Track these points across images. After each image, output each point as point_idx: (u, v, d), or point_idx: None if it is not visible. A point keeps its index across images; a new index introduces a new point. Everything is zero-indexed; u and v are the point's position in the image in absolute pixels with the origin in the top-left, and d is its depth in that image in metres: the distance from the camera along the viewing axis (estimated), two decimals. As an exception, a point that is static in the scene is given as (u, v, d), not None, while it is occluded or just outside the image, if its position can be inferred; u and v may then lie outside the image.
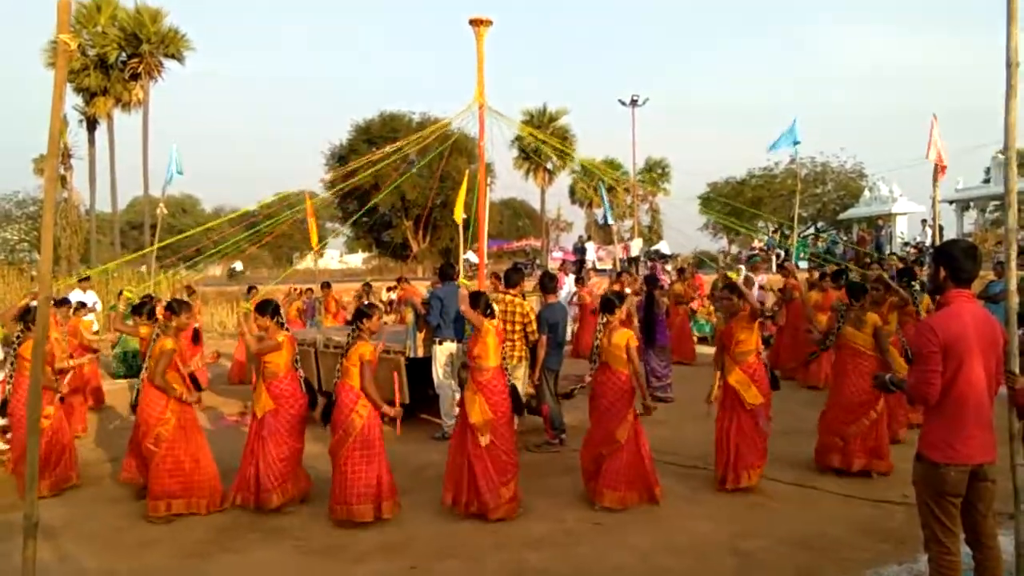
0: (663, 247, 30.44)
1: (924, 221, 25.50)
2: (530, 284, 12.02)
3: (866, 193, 32.92)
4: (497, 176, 34.20)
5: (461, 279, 6.86)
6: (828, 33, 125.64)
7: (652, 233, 42.76)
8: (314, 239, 13.98)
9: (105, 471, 7.35)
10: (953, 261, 3.62)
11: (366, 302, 8.20)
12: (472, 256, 22.44)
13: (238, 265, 20.00)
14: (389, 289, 22.23)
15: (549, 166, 42.17)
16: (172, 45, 33.33)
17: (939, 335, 3.50)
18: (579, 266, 25.27)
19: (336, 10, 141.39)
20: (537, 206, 46.78)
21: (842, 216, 34.49)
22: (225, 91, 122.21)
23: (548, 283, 8.55)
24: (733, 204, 33.03)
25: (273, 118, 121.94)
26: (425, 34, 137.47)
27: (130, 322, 7.67)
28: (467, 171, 16.22)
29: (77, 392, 8.76)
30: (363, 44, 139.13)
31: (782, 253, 27.29)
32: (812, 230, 38.82)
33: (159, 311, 6.91)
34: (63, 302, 9.67)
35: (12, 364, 7.07)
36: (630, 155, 35.32)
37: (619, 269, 18.26)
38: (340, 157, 37.04)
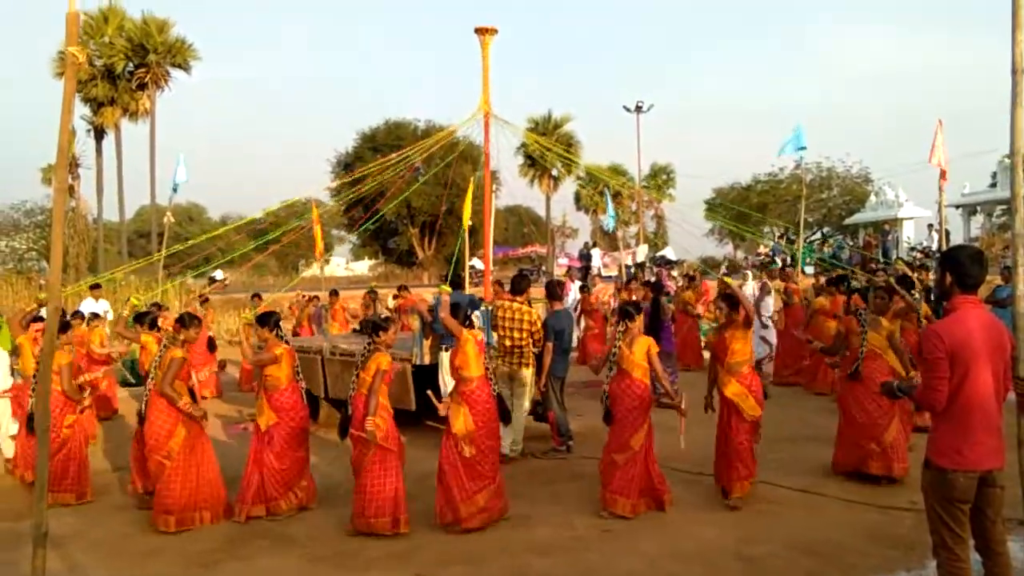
0: (669, 253, 30.40)
1: (930, 226, 25.42)
2: (536, 291, 12.03)
3: (872, 198, 32.87)
4: (503, 183, 34.31)
5: (443, 287, 6.84)
6: (832, 36, 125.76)
7: (657, 239, 42.74)
8: (319, 247, 14.01)
9: (112, 480, 7.38)
10: (959, 267, 3.62)
11: (384, 315, 8.19)
12: (478, 263, 22.48)
13: (218, 274, 19.91)
14: (395, 296, 22.27)
15: (554, 173, 42.22)
16: (179, 55, 33.57)
17: (946, 341, 3.49)
18: (585, 273, 25.24)
19: (341, 17, 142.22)
20: (542, 213, 46.85)
21: (848, 221, 34.43)
22: (230, 99, 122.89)
23: (554, 290, 8.56)
24: (739, 208, 33.01)
25: (278, 126, 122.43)
26: (431, 41, 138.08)
27: (132, 330, 7.70)
28: (472, 178, 16.24)
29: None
30: (368, 51, 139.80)
31: (788, 258, 27.25)
32: (819, 235, 38.74)
33: (163, 322, 6.91)
34: (75, 315, 9.72)
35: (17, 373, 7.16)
36: (635, 161, 35.30)
37: (627, 276, 18.23)
38: (346, 165, 37.18)
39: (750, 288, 15.97)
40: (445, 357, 8.17)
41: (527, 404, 7.75)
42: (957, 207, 31.57)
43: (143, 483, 6.45)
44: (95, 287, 14.27)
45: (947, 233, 19.67)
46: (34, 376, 6.71)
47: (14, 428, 7.51)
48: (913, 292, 8.62)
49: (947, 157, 14.51)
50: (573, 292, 16.07)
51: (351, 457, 5.85)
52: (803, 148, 14.30)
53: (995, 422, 3.55)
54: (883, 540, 5.28)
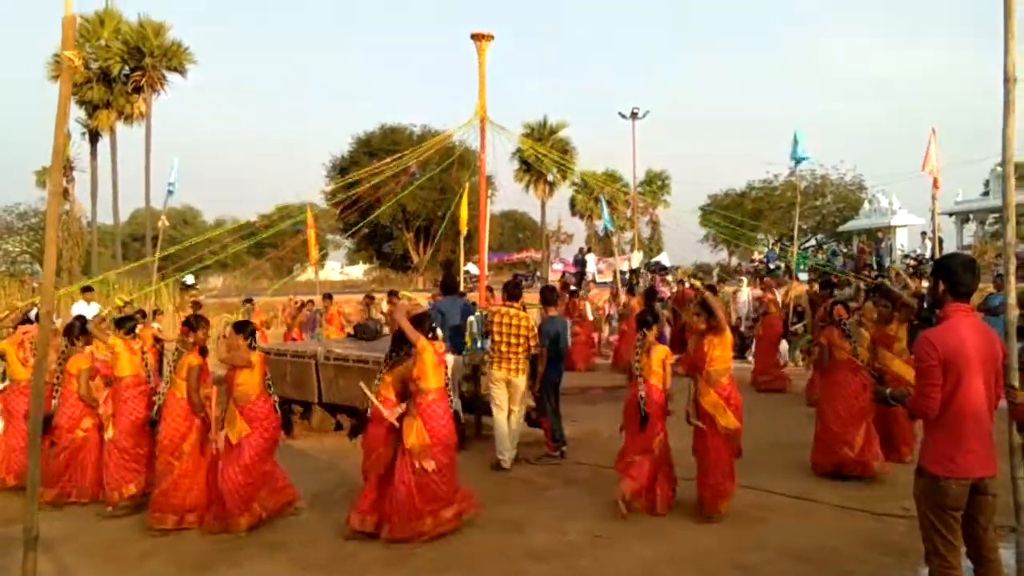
0: (663, 259, 30.44)
1: (924, 233, 25.51)
2: (529, 296, 12.04)
3: (866, 205, 32.97)
4: (498, 188, 34.31)
5: (404, 292, 6.87)
6: (827, 44, 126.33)
7: (652, 245, 42.82)
8: (312, 252, 13.98)
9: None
10: (952, 275, 3.64)
11: (379, 320, 8.16)
12: (473, 268, 22.48)
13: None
14: (388, 301, 22.24)
15: (549, 178, 42.27)
16: (175, 58, 33.54)
17: (938, 349, 3.51)
18: (579, 278, 25.28)
19: (339, 21, 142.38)
20: (537, 218, 46.92)
21: (842, 228, 34.53)
22: (226, 102, 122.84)
23: (549, 296, 8.57)
24: (732, 216, 33.10)
25: (273, 130, 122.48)
26: (428, 47, 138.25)
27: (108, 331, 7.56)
28: (467, 184, 16.26)
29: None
30: (365, 55, 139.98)
31: (782, 265, 27.31)
32: (812, 242, 38.87)
33: (140, 330, 6.86)
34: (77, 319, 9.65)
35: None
36: (630, 167, 35.41)
37: (627, 285, 18.22)
38: (341, 169, 37.18)
39: (745, 294, 16.03)
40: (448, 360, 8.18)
41: (522, 411, 7.73)
42: (950, 215, 31.68)
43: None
44: (87, 290, 14.23)
45: (940, 241, 19.76)
46: (57, 379, 6.75)
47: None
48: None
49: (940, 165, 14.59)
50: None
51: (375, 457, 5.73)
52: (800, 159, 14.34)
53: (987, 430, 3.57)
54: (877, 546, 5.30)
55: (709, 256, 43.69)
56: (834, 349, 7.05)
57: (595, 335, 16.16)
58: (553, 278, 29.93)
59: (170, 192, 14.54)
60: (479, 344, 8.38)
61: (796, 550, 5.26)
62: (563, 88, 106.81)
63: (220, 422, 6.05)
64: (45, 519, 5.19)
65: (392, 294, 14.11)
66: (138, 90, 32.85)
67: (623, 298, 15.91)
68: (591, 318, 16.04)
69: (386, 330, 10.03)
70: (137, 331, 7.02)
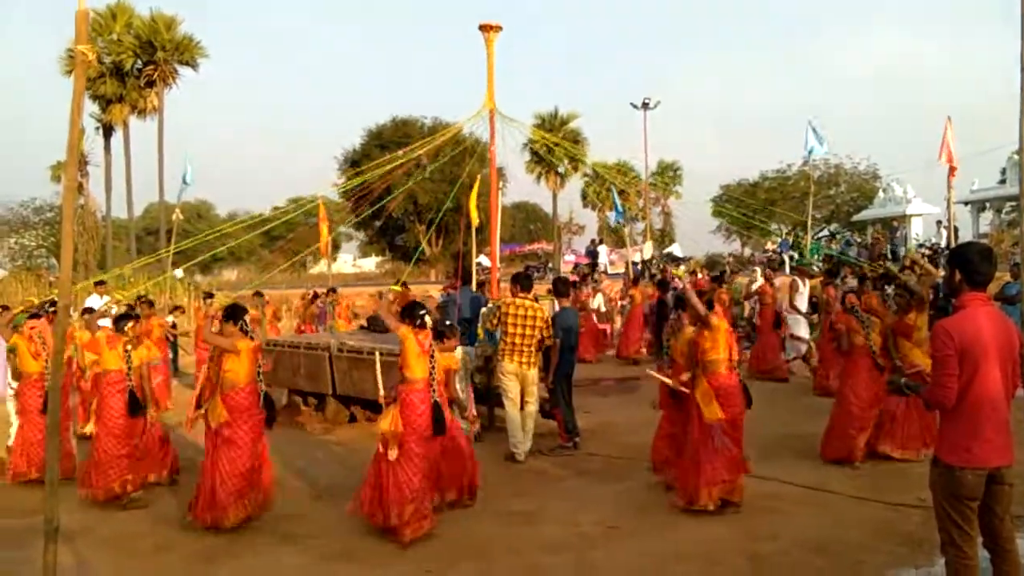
0: (675, 250, 30.37)
1: (939, 222, 25.30)
2: (542, 288, 12.04)
3: (880, 194, 32.71)
4: (509, 180, 34.29)
5: (393, 286, 6.87)
6: (841, 33, 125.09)
7: (664, 236, 42.68)
8: (323, 243, 14.02)
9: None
10: (968, 264, 3.61)
11: (447, 322, 8.12)
12: (484, 260, 22.47)
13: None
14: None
15: (561, 170, 42.21)
16: (187, 52, 33.71)
17: (955, 338, 3.48)
18: (591, 269, 25.25)
19: (350, 14, 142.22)
20: (549, 210, 46.86)
21: (856, 218, 34.27)
22: (238, 96, 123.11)
23: (561, 287, 8.56)
24: (746, 202, 32.88)
25: (286, 123, 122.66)
26: (437, 38, 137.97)
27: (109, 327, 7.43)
28: (479, 176, 16.23)
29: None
30: (375, 48, 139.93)
31: (795, 255, 27.14)
32: (826, 233, 38.60)
33: (130, 329, 6.84)
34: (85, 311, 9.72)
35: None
36: (642, 158, 35.23)
37: (634, 275, 18.19)
38: (353, 162, 37.24)
39: (759, 285, 15.91)
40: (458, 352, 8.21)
41: (536, 403, 7.74)
42: (966, 203, 31.35)
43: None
44: (99, 283, 14.35)
45: (956, 230, 19.61)
46: (85, 368, 6.87)
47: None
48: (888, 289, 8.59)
49: (956, 154, 14.46)
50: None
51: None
52: (812, 151, 14.24)
53: (1004, 419, 3.54)
54: (892, 537, 5.27)
55: (722, 246, 43.50)
56: (852, 335, 7.20)
57: (607, 327, 16.15)
58: (565, 269, 29.87)
59: (187, 184, 14.63)
60: (493, 336, 8.39)
61: (809, 541, 5.25)
62: (574, 80, 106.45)
63: (196, 400, 6.04)
64: (64, 511, 5.25)
65: (402, 284, 14.15)
66: (150, 84, 33.04)
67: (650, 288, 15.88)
68: (603, 309, 16.02)
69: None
70: (127, 328, 6.90)
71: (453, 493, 6.10)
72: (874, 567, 4.81)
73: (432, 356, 5.64)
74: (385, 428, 5.50)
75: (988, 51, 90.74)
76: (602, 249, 30.10)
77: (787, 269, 25.10)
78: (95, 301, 13.25)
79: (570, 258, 35.36)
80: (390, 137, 37.33)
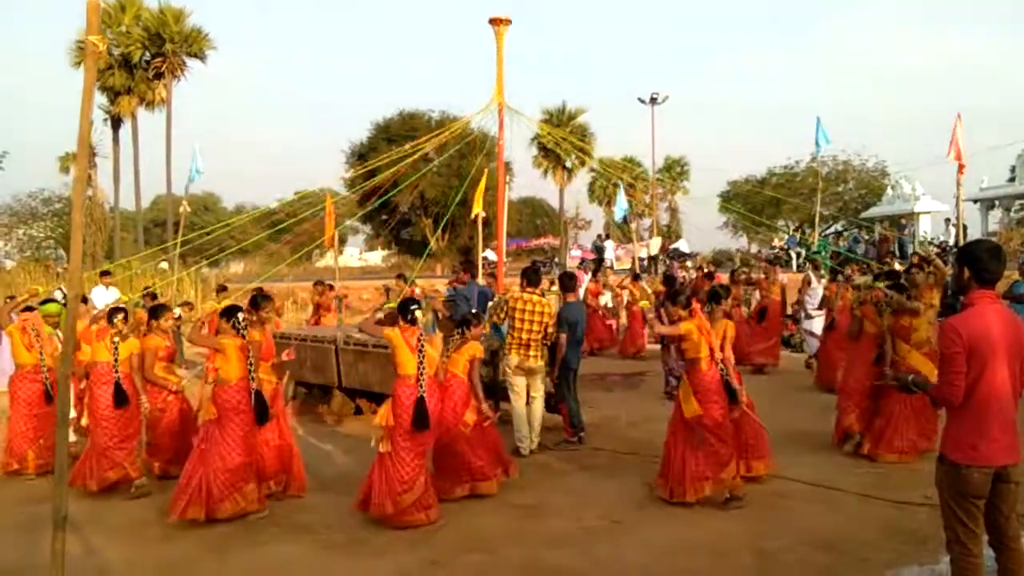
0: (682, 246, 30.31)
1: (948, 220, 25.20)
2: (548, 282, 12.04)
3: (888, 191, 32.58)
4: (516, 175, 34.25)
5: (388, 304, 6.95)
6: (852, 29, 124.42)
7: (671, 232, 42.59)
8: (328, 235, 13.98)
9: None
10: (977, 261, 3.59)
11: (474, 310, 8.13)
12: (491, 254, 22.49)
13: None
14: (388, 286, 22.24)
15: (568, 164, 42.11)
16: (195, 44, 33.69)
17: (963, 336, 3.47)
18: (597, 265, 25.23)
19: (358, 6, 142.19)
20: (556, 204, 46.76)
21: (864, 215, 34.14)
22: (246, 89, 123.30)
23: (568, 282, 8.55)
24: (759, 191, 32.70)
25: (292, 117, 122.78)
26: (446, 31, 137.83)
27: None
28: (486, 169, 16.24)
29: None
30: (384, 40, 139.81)
31: (802, 252, 27.07)
32: (833, 230, 38.48)
33: (119, 322, 6.88)
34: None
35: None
36: (649, 153, 35.14)
37: (633, 272, 18.15)
38: (360, 155, 37.21)
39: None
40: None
41: (542, 398, 7.75)
42: (975, 201, 31.20)
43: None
44: (105, 274, 14.39)
45: (964, 228, 19.51)
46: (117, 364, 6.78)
47: None
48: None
49: (966, 151, 14.38)
50: (587, 284, 16.07)
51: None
52: (819, 146, 14.21)
53: (1011, 418, 3.54)
54: (897, 534, 5.27)
55: (729, 243, 43.42)
56: (866, 323, 7.51)
57: (613, 322, 16.14)
58: (571, 264, 29.84)
59: (197, 174, 14.62)
60: (500, 331, 8.40)
61: (815, 537, 5.25)
62: (582, 75, 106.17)
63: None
64: (73, 500, 5.29)
65: (400, 277, 14.18)
66: (159, 76, 33.06)
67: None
68: (610, 304, 16.01)
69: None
70: (116, 321, 6.91)
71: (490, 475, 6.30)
72: (879, 564, 4.81)
73: (421, 351, 5.69)
74: (378, 420, 5.71)
75: (999, 48, 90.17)
76: (608, 244, 30.01)
77: (794, 266, 25.10)
78: (100, 292, 13.31)
79: (576, 253, 35.29)
80: (397, 131, 37.26)
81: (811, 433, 7.81)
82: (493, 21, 9.57)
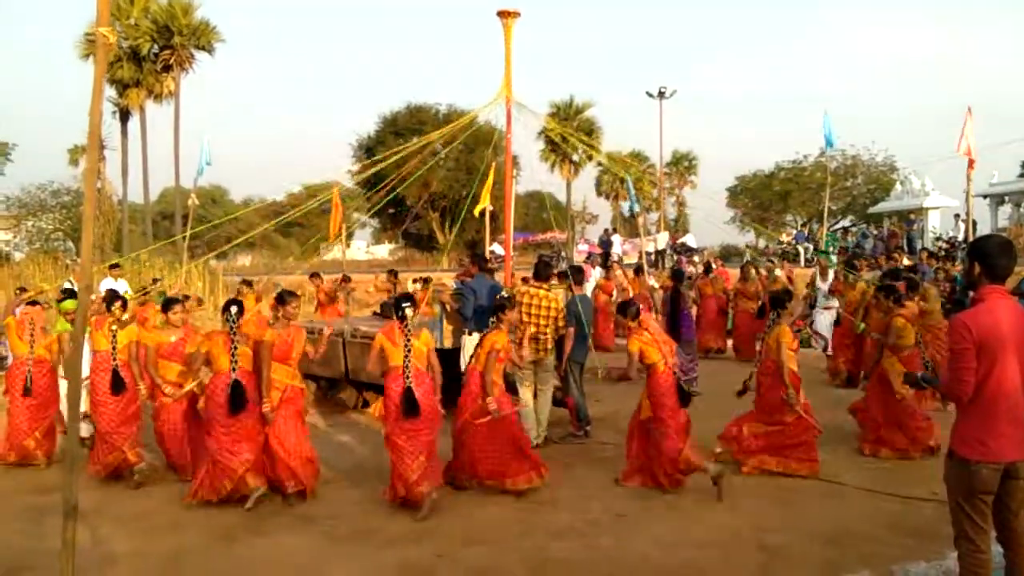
0: (689, 240, 30.21)
1: (957, 216, 25.04)
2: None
3: (897, 187, 32.41)
4: (523, 169, 34.18)
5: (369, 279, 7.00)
6: (860, 23, 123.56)
7: (679, 226, 42.50)
8: (333, 230, 13.95)
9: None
10: (987, 257, 3.58)
11: (504, 295, 8.12)
12: (498, 248, 22.48)
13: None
14: (415, 281, 22.31)
15: (575, 158, 42.05)
16: (203, 37, 33.78)
17: (973, 331, 3.46)
18: (605, 259, 25.17)
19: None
20: (562, 198, 46.70)
21: (873, 210, 33.99)
22: (253, 82, 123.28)
23: (576, 275, 8.55)
24: (775, 174, 32.47)
25: (300, 109, 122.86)
26: (455, 24, 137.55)
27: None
28: (493, 163, 16.14)
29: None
30: (391, 33, 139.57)
31: (810, 247, 26.96)
32: (841, 225, 38.35)
33: (116, 311, 6.93)
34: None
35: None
36: (657, 148, 35.11)
37: (635, 267, 18.05)
38: (367, 148, 37.24)
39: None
40: (469, 341, 8.22)
41: (549, 391, 7.75)
42: (984, 197, 31.01)
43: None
44: (114, 266, 14.44)
45: (974, 223, 19.41)
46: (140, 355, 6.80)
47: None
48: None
49: (975, 146, 14.29)
50: (594, 278, 16.05)
51: (456, 424, 6.20)
52: (830, 145, 14.18)
53: (1020, 414, 3.52)
54: (903, 530, 5.27)
55: (737, 238, 43.32)
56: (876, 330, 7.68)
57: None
58: (578, 259, 29.80)
59: (200, 172, 14.62)
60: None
61: (820, 532, 5.25)
62: (590, 68, 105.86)
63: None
64: (80, 489, 5.32)
65: (391, 272, 14.23)
66: (167, 69, 33.15)
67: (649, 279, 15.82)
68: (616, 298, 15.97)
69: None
70: (114, 309, 6.91)
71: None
72: (885, 560, 4.80)
73: (407, 344, 5.86)
74: (371, 413, 5.82)
75: (1011, 42, 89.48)
76: (616, 239, 29.94)
77: (802, 261, 25.01)
78: (109, 285, 13.36)
79: (583, 247, 35.24)
80: (404, 124, 37.30)
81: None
82: (501, 14, 9.51)
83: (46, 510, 5.55)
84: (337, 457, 7.33)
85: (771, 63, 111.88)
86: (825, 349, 11.85)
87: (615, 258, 26.51)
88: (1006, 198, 31.71)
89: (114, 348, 6.70)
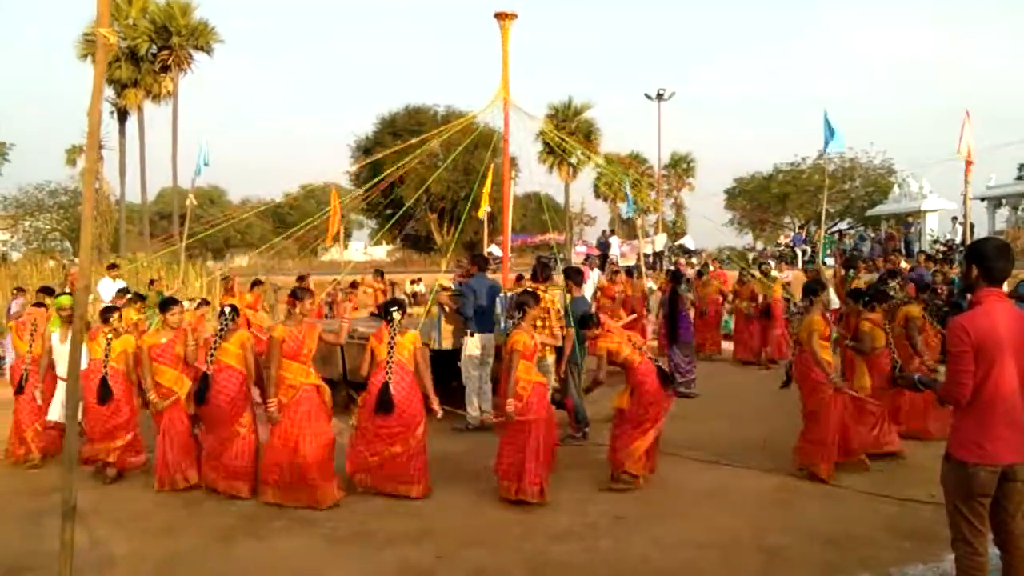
0: (687, 242, 30.25)
1: (955, 218, 25.09)
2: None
3: (895, 189, 32.46)
4: (521, 170, 34.22)
5: (356, 279, 7.12)
6: (857, 25, 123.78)
7: (676, 228, 42.55)
8: (332, 230, 13.98)
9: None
10: (985, 259, 3.58)
11: (522, 290, 8.11)
12: (496, 249, 22.49)
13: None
14: (413, 282, 22.35)
15: (573, 161, 42.08)
16: (202, 38, 33.78)
17: (971, 334, 3.46)
18: (603, 261, 25.18)
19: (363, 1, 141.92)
20: (560, 200, 46.73)
21: (870, 213, 34.02)
22: (251, 83, 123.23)
23: (575, 277, 8.55)
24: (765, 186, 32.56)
25: (298, 111, 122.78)
26: (452, 26, 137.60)
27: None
28: (492, 165, 16.17)
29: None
30: (389, 35, 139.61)
31: (808, 249, 27.00)
32: (839, 228, 38.40)
33: (114, 320, 6.94)
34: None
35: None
36: (655, 150, 35.17)
37: (627, 269, 18.00)
38: (366, 149, 37.25)
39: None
40: (470, 342, 8.23)
41: (549, 392, 7.75)
42: (982, 199, 31.07)
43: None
44: (112, 267, 14.44)
45: (971, 226, 19.42)
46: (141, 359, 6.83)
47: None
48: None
49: (973, 149, 14.32)
50: (592, 280, 16.02)
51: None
52: (835, 144, 14.16)
53: (1018, 416, 3.52)
54: (901, 532, 5.27)
55: (734, 240, 43.36)
56: (876, 333, 7.34)
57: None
58: (576, 260, 29.81)
59: (197, 172, 14.62)
60: (503, 325, 8.40)
61: (819, 534, 5.25)
62: (589, 70, 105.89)
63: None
64: (78, 490, 5.31)
65: (378, 272, 14.26)
66: (165, 69, 33.14)
67: (647, 281, 15.84)
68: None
69: (410, 309, 10.08)
70: (111, 319, 6.95)
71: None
72: (883, 562, 4.81)
73: (392, 341, 6.03)
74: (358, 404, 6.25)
75: (1008, 45, 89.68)
76: (614, 240, 29.94)
77: (800, 263, 25.04)
78: (108, 285, 13.35)
79: (581, 249, 35.25)
80: (403, 125, 37.31)
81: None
82: (499, 15, 9.52)
83: (44, 511, 5.55)
84: (336, 457, 7.30)
85: (769, 65, 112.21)
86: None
87: (613, 259, 26.53)
88: (1003, 201, 31.77)
89: (107, 356, 6.68)
